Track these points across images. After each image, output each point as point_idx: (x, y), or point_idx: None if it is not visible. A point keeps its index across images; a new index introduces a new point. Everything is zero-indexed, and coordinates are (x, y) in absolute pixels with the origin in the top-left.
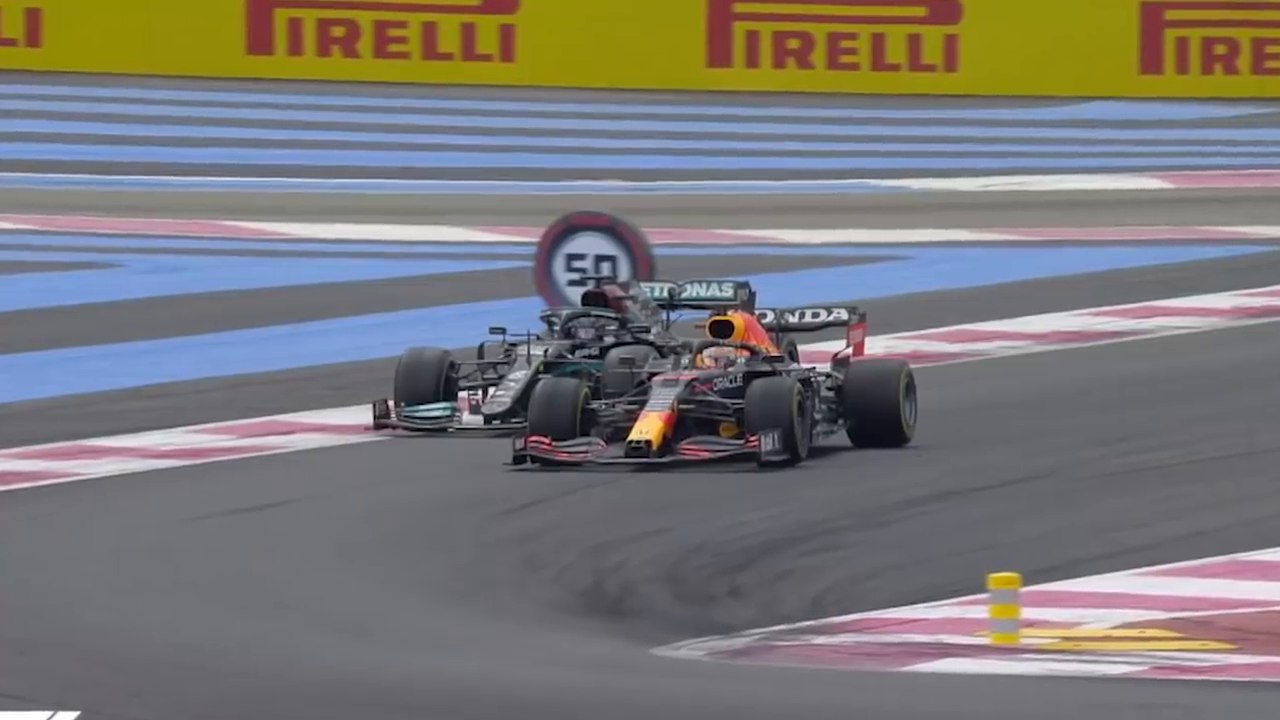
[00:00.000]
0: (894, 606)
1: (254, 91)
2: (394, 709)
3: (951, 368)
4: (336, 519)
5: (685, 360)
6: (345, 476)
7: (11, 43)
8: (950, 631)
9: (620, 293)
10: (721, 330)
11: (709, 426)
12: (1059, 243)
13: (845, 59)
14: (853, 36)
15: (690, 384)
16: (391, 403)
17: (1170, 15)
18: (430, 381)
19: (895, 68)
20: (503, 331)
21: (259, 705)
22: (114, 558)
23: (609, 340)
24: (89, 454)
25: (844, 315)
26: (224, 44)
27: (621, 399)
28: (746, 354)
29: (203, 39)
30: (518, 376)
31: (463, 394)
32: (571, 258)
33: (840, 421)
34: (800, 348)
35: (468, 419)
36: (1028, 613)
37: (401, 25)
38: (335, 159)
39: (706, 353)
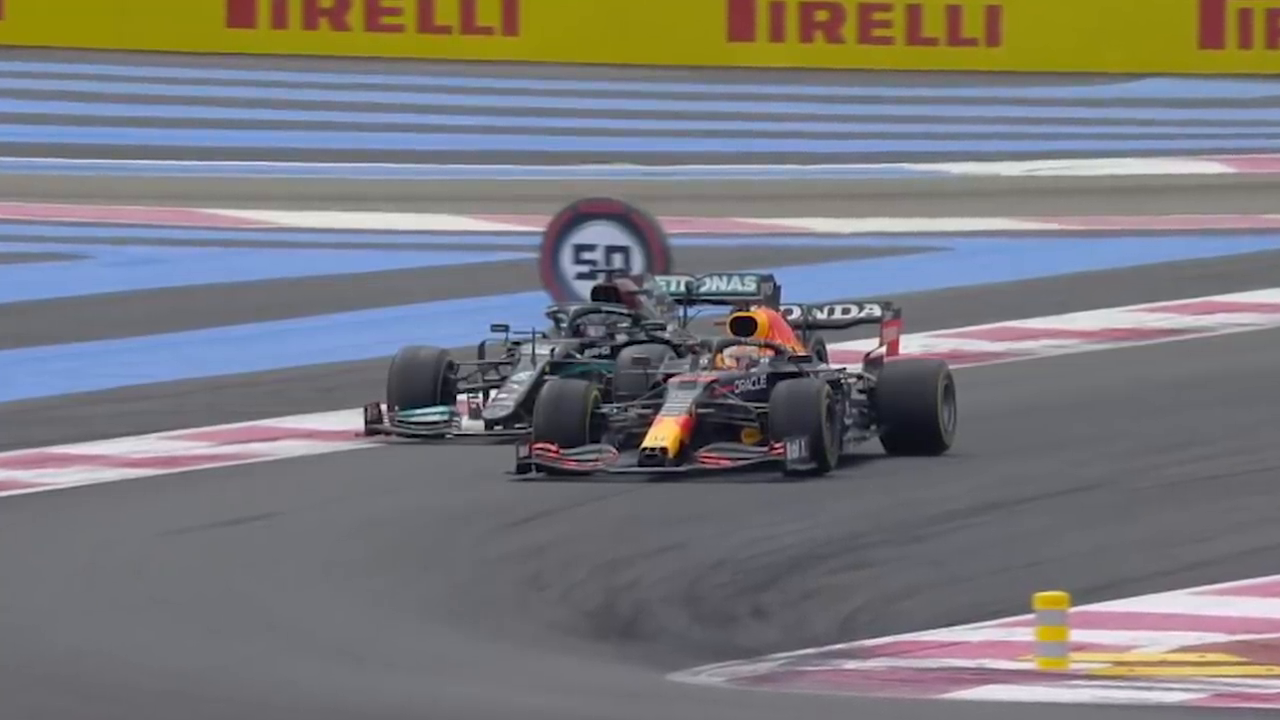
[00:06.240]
0: (931, 628)
1: (235, 68)
2: None
3: (994, 368)
4: (325, 533)
5: (704, 360)
6: (334, 487)
7: None
8: (993, 655)
9: (633, 287)
10: (743, 328)
11: (730, 432)
12: (1110, 233)
13: (878, 32)
14: (886, 8)
15: (709, 386)
16: (384, 406)
17: None
18: (426, 383)
19: (933, 42)
20: (505, 329)
21: None
22: (84, 575)
23: (621, 339)
24: (55, 462)
25: (876, 311)
26: (202, 17)
27: (635, 402)
28: (770, 353)
29: (180, 11)
30: (522, 378)
31: (462, 397)
32: (580, 249)
33: (873, 427)
34: (829, 347)
35: (467, 424)
36: (1077, 635)
37: None
38: (323, 141)
39: (727, 352)
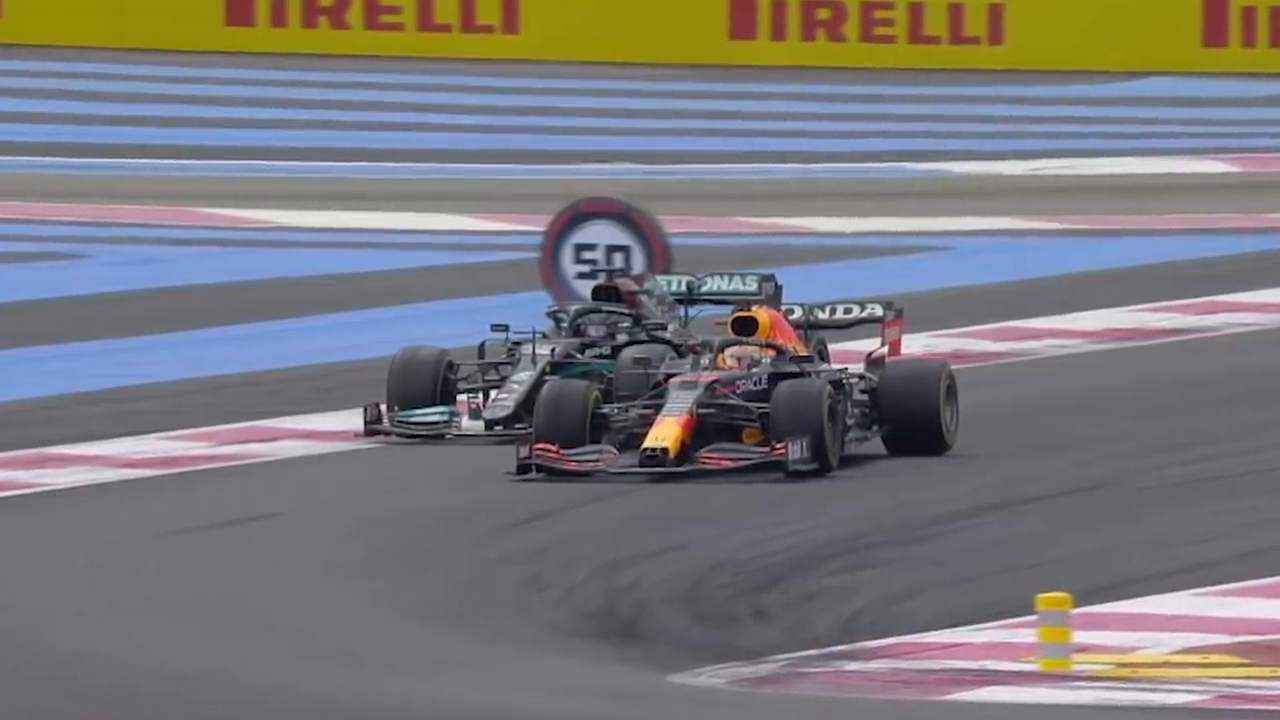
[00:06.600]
0: (933, 630)
1: (233, 67)
2: None
3: (996, 368)
4: (324, 534)
5: (705, 360)
6: (333, 487)
7: None
8: (995, 657)
9: (634, 286)
10: (745, 327)
11: (731, 433)
12: (1113, 232)
13: (880, 31)
14: (889, 6)
15: (710, 386)
16: (384, 407)
17: None
18: (426, 383)
19: (935, 40)
20: (505, 329)
21: None
22: (82, 576)
23: (622, 338)
24: (54, 463)
25: (879, 311)
26: (201, 15)
27: (635, 403)
28: (772, 353)
29: (178, 10)
30: (522, 378)
31: (462, 397)
32: (581, 248)
33: (875, 427)
34: (831, 347)
35: (467, 424)
36: (1079, 636)
37: None
38: (322, 140)
39: (728, 352)
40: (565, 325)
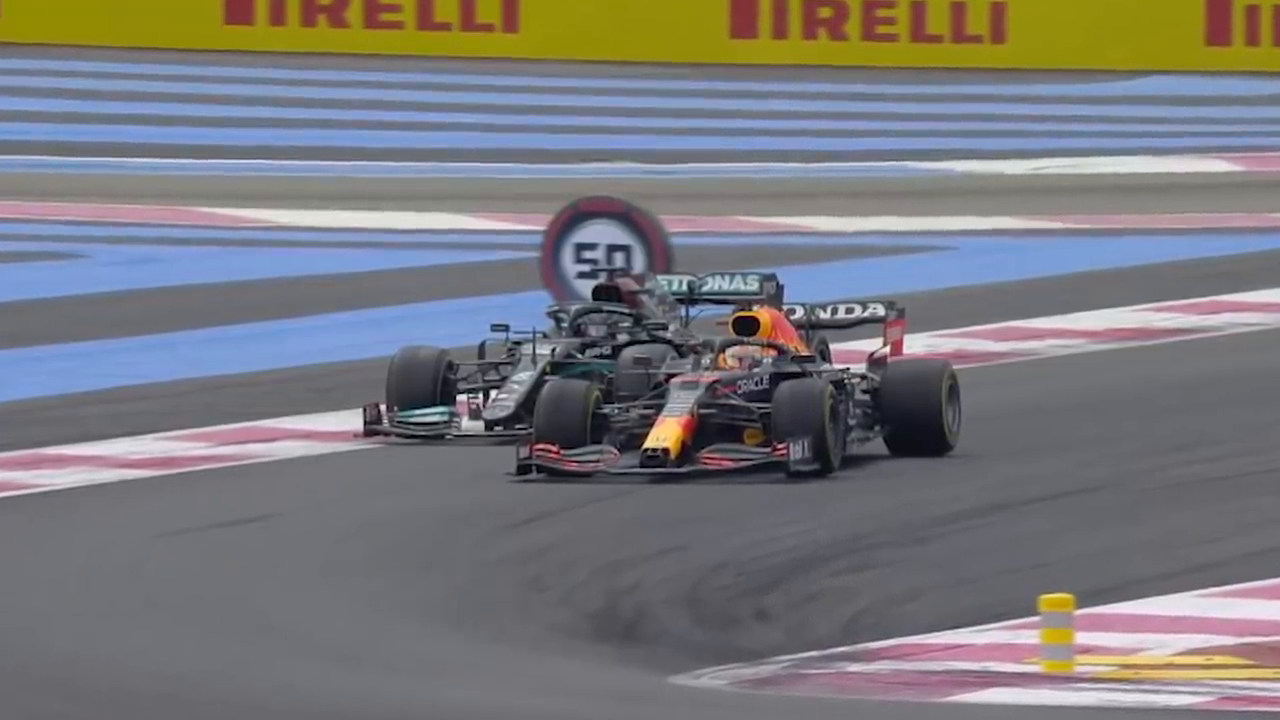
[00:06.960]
0: (935, 631)
1: (232, 65)
2: None
3: (998, 368)
4: (323, 534)
5: (706, 360)
6: (333, 488)
7: None
8: (997, 658)
9: (635, 286)
10: (746, 327)
11: (732, 433)
12: (1116, 231)
13: (882, 29)
14: (890, 5)
15: (711, 386)
16: (383, 407)
17: None
18: (426, 383)
19: (937, 39)
20: (505, 329)
21: None
22: (80, 577)
23: (622, 338)
24: (51, 463)
25: (880, 311)
26: (200, 14)
27: (636, 403)
28: (773, 353)
29: (177, 8)
30: (522, 378)
31: (461, 397)
32: (581, 248)
33: (877, 427)
34: (833, 346)
35: (467, 424)
36: (1082, 638)
37: None
38: (322, 139)
39: (729, 352)
40: (565, 325)
